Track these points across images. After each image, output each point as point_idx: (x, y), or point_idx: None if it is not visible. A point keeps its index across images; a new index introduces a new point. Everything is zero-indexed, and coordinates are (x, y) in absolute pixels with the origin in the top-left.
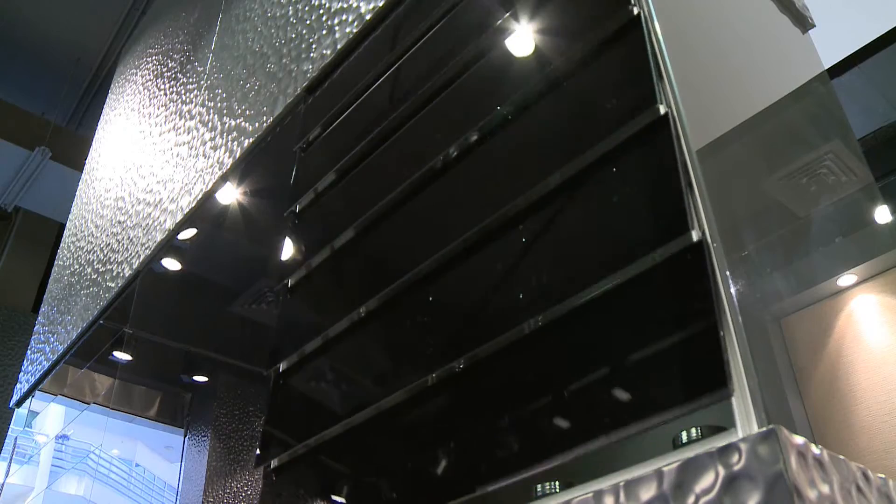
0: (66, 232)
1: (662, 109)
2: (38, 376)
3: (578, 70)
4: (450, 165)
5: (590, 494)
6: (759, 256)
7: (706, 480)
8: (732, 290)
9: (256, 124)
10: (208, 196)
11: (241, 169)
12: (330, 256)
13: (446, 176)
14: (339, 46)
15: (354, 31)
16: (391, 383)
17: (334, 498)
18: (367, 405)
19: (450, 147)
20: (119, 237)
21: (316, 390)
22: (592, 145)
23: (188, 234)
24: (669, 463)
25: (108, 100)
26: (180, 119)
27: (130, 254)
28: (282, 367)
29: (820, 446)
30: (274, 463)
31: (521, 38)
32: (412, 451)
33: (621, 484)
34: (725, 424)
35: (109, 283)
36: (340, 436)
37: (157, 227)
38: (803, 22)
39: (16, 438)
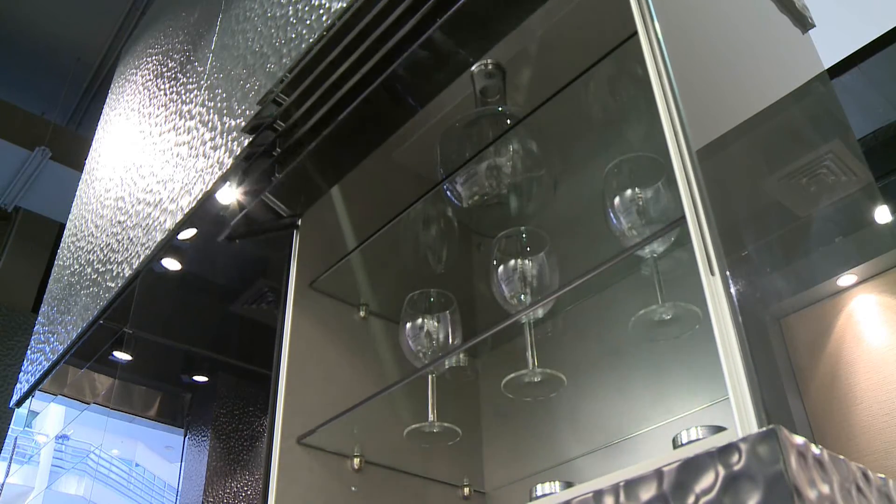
0: (66, 232)
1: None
2: (38, 376)
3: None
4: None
5: (590, 494)
6: (759, 256)
7: (706, 480)
8: (732, 290)
9: None
10: (208, 196)
11: (242, 169)
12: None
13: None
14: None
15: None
16: None
17: None
18: None
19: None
20: (119, 237)
21: None
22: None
23: (188, 234)
24: (669, 463)
25: (108, 100)
26: (180, 119)
27: (130, 254)
28: None
29: (820, 446)
30: None
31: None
32: None
33: (621, 484)
34: (725, 424)
35: (109, 283)
36: None
37: (157, 227)
38: (803, 22)
39: (16, 438)
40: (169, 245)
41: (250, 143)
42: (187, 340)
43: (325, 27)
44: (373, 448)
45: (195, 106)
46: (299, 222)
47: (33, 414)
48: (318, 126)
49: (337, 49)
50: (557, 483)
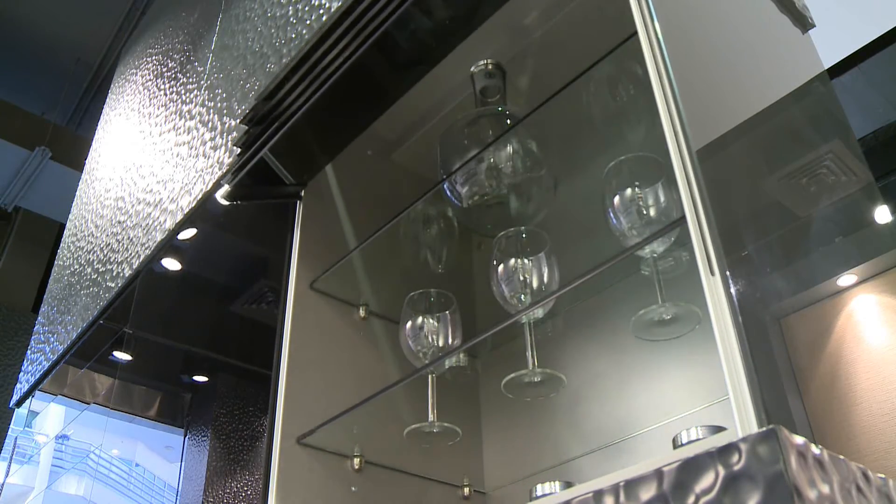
0: (66, 232)
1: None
2: (38, 376)
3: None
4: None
5: (590, 494)
6: (759, 256)
7: (706, 480)
8: (732, 290)
9: None
10: (208, 196)
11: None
12: None
13: None
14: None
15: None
16: None
17: None
18: None
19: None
20: (119, 237)
21: None
22: None
23: (188, 234)
24: (669, 463)
25: (108, 100)
26: (180, 119)
27: (130, 254)
28: None
29: (820, 446)
30: None
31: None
32: None
33: (621, 484)
34: (725, 424)
35: (109, 283)
36: None
37: (157, 227)
38: (803, 22)
39: (16, 438)
40: (169, 245)
41: (246, 132)
42: (187, 340)
43: (324, 23)
44: (373, 448)
45: (195, 106)
46: (302, 193)
47: (33, 414)
48: (316, 91)
49: (334, 35)
50: (557, 483)
